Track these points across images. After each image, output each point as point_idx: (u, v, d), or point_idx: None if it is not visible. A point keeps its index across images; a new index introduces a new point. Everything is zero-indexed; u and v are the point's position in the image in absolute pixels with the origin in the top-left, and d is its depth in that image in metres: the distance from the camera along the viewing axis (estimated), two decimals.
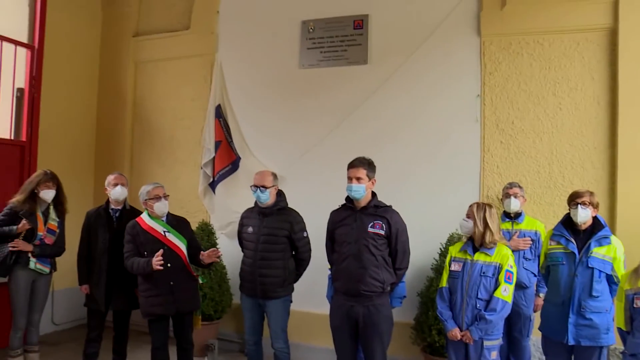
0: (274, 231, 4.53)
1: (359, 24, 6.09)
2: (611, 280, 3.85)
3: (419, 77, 5.83)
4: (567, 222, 4.06)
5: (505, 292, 3.77)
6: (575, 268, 3.88)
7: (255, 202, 4.68)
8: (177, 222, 4.65)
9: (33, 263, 4.86)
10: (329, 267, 4.69)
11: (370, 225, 3.94)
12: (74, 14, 6.98)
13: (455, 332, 3.85)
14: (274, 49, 6.48)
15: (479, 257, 3.89)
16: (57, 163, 6.38)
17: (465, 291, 3.87)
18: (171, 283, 4.40)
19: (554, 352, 4.04)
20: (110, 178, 4.90)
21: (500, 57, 5.57)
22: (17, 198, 4.84)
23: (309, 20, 6.33)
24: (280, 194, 4.70)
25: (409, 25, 5.90)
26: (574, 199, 3.97)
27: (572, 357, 3.96)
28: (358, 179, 3.95)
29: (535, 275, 4.77)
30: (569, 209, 4.02)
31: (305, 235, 4.65)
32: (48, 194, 4.90)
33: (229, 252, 6.16)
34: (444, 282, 4.08)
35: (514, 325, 4.82)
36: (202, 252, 4.61)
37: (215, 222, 6.48)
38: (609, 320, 3.82)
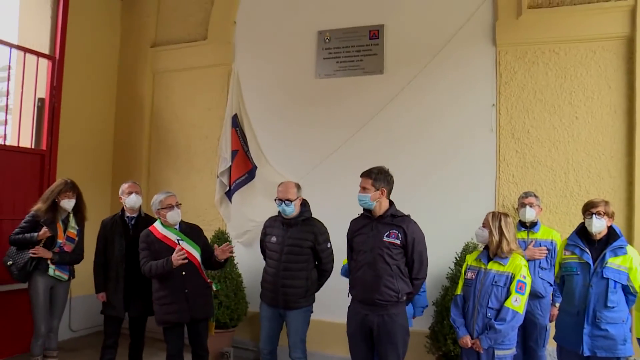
0: (298, 242, 4.53)
1: (375, 34, 6.13)
2: (627, 291, 3.80)
3: (434, 86, 5.84)
4: (582, 232, 4.03)
5: (517, 303, 3.75)
6: (590, 278, 3.85)
7: (279, 211, 4.67)
8: (190, 230, 4.67)
9: (52, 270, 4.92)
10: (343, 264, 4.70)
11: (385, 235, 3.94)
12: (94, 25, 7.10)
13: (466, 340, 3.86)
14: (290, 59, 6.54)
15: (493, 267, 3.90)
16: (76, 171, 6.49)
17: (477, 300, 3.88)
18: (186, 291, 4.42)
19: None
20: (125, 187, 4.98)
21: (516, 67, 5.57)
22: (39, 206, 4.91)
23: (325, 30, 6.38)
24: (304, 204, 4.69)
25: (425, 35, 5.93)
26: (588, 209, 3.94)
27: None
28: (363, 188, 4.00)
29: (551, 285, 4.73)
30: (584, 219, 3.99)
31: (329, 246, 4.66)
32: (69, 204, 4.97)
33: (245, 261, 6.21)
34: (458, 290, 4.12)
35: (530, 334, 4.79)
36: (216, 246, 4.64)
37: (231, 230, 6.52)
38: (626, 331, 3.78)
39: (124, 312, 4.86)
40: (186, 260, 4.28)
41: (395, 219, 3.99)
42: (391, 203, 4.07)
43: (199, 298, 4.52)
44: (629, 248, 3.87)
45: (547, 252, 4.76)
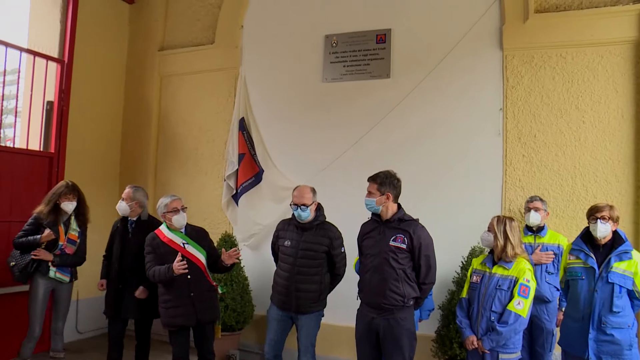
0: (313, 246, 4.52)
1: (382, 38, 6.15)
2: (633, 296, 3.79)
3: (441, 90, 5.85)
4: (586, 237, 4.01)
5: (519, 306, 3.76)
6: (595, 283, 3.83)
7: (293, 215, 4.65)
8: (195, 233, 4.68)
9: (53, 272, 4.97)
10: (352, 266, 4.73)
11: (392, 239, 3.95)
12: (102, 29, 7.15)
13: (472, 339, 3.88)
14: (297, 63, 6.57)
15: (497, 270, 3.91)
16: (84, 174, 6.56)
17: (481, 303, 3.89)
18: (191, 294, 4.43)
19: None
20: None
21: (523, 71, 5.56)
22: (41, 209, 4.96)
23: (332, 34, 6.41)
24: (319, 209, 4.67)
25: (431, 39, 5.94)
26: (593, 214, 3.92)
27: None
28: (369, 193, 4.02)
29: (558, 290, 4.72)
30: (589, 223, 3.97)
31: (343, 250, 4.65)
32: (68, 206, 5.02)
33: (252, 264, 6.23)
34: (464, 293, 4.14)
35: (536, 339, 4.78)
36: (223, 250, 4.65)
37: (237, 234, 6.54)
38: (632, 336, 3.77)
39: (114, 313, 4.89)
40: (187, 270, 4.29)
41: (403, 223, 3.99)
42: (399, 207, 4.08)
43: (205, 301, 4.53)
44: (634, 253, 3.85)
45: (554, 256, 4.76)
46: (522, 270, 3.83)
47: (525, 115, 5.54)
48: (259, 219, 6.44)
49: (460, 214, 5.60)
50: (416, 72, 5.94)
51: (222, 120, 6.91)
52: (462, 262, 5.26)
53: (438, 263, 4.04)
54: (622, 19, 5.22)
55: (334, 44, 6.38)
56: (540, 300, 4.61)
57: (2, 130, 6.37)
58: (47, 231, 4.84)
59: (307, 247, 4.52)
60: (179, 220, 4.53)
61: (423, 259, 3.94)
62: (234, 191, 6.58)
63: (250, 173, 6.53)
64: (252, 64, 6.82)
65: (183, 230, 4.61)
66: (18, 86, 6.24)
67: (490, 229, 3.96)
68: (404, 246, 3.92)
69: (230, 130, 6.70)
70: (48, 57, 6.36)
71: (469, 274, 4.14)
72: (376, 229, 4.08)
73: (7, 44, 5.86)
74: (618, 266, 3.79)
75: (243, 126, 6.61)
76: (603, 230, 3.86)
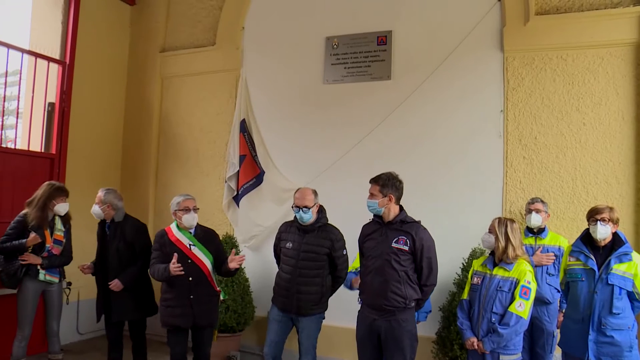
0: (315, 248, 4.52)
1: (383, 39, 6.16)
2: (633, 297, 3.79)
3: (442, 92, 5.86)
4: (586, 238, 4.01)
5: (520, 308, 3.76)
6: (594, 285, 3.83)
7: (295, 217, 4.65)
8: (204, 235, 4.66)
9: (43, 275, 4.95)
10: (349, 270, 4.72)
11: (394, 241, 3.95)
12: (104, 31, 7.16)
13: (472, 340, 3.88)
14: (298, 65, 6.58)
15: (498, 272, 3.91)
16: (85, 175, 6.58)
17: (482, 304, 3.89)
18: (191, 297, 4.43)
19: None
20: None
21: (524, 73, 5.57)
22: (27, 211, 4.91)
23: (333, 36, 6.42)
24: (321, 211, 4.67)
25: (432, 41, 5.95)
26: (593, 215, 3.92)
27: None
28: (371, 195, 4.02)
29: (558, 291, 4.72)
30: (589, 225, 3.97)
31: (344, 253, 4.64)
32: (64, 207, 5.04)
33: (252, 265, 6.24)
34: (465, 295, 4.14)
35: (537, 341, 4.79)
36: (233, 251, 4.64)
37: (238, 235, 6.55)
38: (632, 338, 3.77)
39: (106, 318, 4.90)
40: (183, 273, 4.27)
41: (405, 225, 3.99)
42: (401, 209, 4.08)
43: (204, 305, 4.51)
44: (634, 254, 3.85)
45: (554, 258, 4.76)
46: (523, 271, 3.83)
47: (525, 117, 5.55)
48: (260, 221, 6.45)
49: (460, 215, 5.61)
50: (417, 74, 5.95)
51: (223, 122, 6.92)
52: (462, 264, 5.27)
53: (439, 264, 4.04)
54: (622, 21, 5.23)
55: (335, 46, 6.39)
56: (540, 301, 4.62)
57: (3, 132, 6.36)
58: (32, 235, 4.79)
59: (308, 249, 4.52)
60: (189, 219, 4.52)
61: (425, 261, 3.93)
62: (235, 192, 6.59)
63: (251, 174, 6.54)
64: (253, 66, 6.83)
65: (192, 231, 4.60)
66: (19, 87, 6.25)
67: (492, 230, 3.96)
68: (406, 248, 3.91)
69: (231, 131, 6.72)
70: (49, 59, 6.37)
71: (469, 276, 4.15)
72: (378, 231, 4.07)
73: (8, 46, 5.88)
74: (618, 268, 3.80)
75: (244, 127, 6.62)
76: (603, 232, 3.86)
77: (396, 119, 6.00)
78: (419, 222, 4.05)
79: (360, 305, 4.19)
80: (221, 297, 4.85)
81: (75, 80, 6.61)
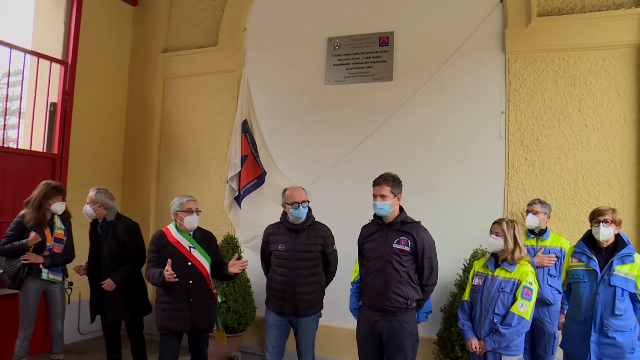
0: (310, 247, 4.50)
1: (385, 40, 6.16)
2: (635, 299, 3.78)
3: (443, 93, 5.86)
4: (589, 239, 4.01)
5: (522, 308, 3.76)
6: (597, 286, 3.83)
7: (281, 219, 4.63)
8: (203, 237, 4.61)
9: (45, 274, 4.96)
10: (351, 280, 4.72)
11: (395, 242, 3.94)
12: (106, 31, 7.18)
13: (472, 341, 3.88)
14: (300, 66, 6.58)
15: (500, 273, 3.91)
16: (87, 175, 6.59)
17: (484, 306, 3.89)
18: (191, 300, 4.38)
19: None
20: None
21: (525, 74, 5.57)
22: (25, 212, 4.91)
23: (335, 37, 6.42)
24: (309, 209, 4.67)
25: (434, 42, 5.95)
26: (595, 217, 3.92)
27: None
28: (382, 196, 3.95)
29: (560, 293, 4.72)
30: (591, 227, 3.97)
31: (335, 248, 4.65)
32: (61, 207, 5.03)
33: (253, 266, 6.18)
34: (466, 296, 4.14)
35: (538, 342, 4.78)
36: (235, 256, 4.63)
37: (240, 235, 6.55)
38: (634, 340, 3.76)
39: (93, 315, 4.92)
40: (177, 280, 4.22)
41: (405, 225, 3.98)
42: (401, 209, 4.07)
43: (202, 309, 4.46)
44: (636, 256, 3.85)
45: (556, 259, 4.76)
46: (525, 272, 3.83)
47: (527, 118, 5.55)
48: (261, 221, 6.38)
49: (461, 217, 5.61)
50: (419, 75, 5.95)
51: (224, 122, 6.92)
52: (464, 265, 5.26)
53: (440, 266, 4.04)
54: (624, 22, 5.23)
55: (337, 47, 6.40)
56: (542, 302, 4.61)
57: (5, 131, 6.37)
58: (32, 234, 4.79)
59: (304, 248, 4.49)
60: (191, 221, 4.46)
61: (426, 261, 3.93)
62: (237, 193, 6.60)
63: (252, 175, 6.54)
64: (255, 66, 6.84)
65: (191, 233, 4.54)
66: (22, 87, 6.27)
67: (499, 233, 3.94)
68: (407, 249, 3.91)
69: (232, 132, 6.72)
70: (52, 59, 6.38)
71: (470, 277, 4.15)
72: (378, 232, 4.06)
73: (11, 46, 5.90)
74: (620, 269, 3.79)
75: (246, 128, 6.62)
76: (605, 234, 3.86)
77: (398, 119, 6.00)
78: (419, 223, 4.04)
79: (360, 306, 4.19)
80: (219, 300, 4.81)
81: (77, 80, 6.62)
